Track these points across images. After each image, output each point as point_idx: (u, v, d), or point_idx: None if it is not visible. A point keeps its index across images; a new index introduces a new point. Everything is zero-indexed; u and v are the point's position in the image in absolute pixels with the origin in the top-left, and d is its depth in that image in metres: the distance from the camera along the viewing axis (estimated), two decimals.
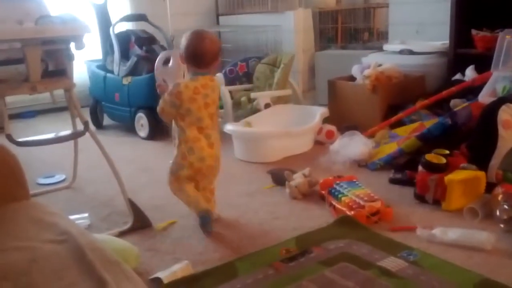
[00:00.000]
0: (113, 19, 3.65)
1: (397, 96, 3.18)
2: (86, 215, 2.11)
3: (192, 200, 2.00)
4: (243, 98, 3.46)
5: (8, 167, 1.28)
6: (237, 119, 3.17)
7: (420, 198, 2.14)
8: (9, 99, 2.01)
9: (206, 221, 1.96)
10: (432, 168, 2.10)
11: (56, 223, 1.14)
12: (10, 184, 1.29)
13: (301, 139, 2.93)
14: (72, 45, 2.02)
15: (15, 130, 1.94)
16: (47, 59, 2.05)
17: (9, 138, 1.85)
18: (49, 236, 1.08)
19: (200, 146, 1.95)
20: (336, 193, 2.11)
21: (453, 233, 1.78)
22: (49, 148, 2.46)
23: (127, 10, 4.40)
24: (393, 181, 2.38)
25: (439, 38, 3.63)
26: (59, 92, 2.16)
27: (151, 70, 3.31)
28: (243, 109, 3.38)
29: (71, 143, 2.43)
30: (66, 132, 2.17)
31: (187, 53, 1.97)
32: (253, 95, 3.34)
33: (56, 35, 1.97)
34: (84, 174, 2.61)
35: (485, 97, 2.61)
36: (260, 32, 4.36)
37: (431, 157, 2.14)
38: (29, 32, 1.93)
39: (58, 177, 2.66)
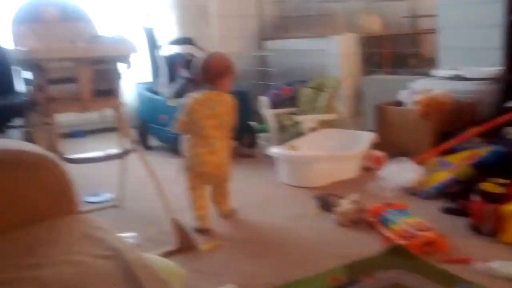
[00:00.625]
0: (162, 43, 3.72)
1: (448, 123, 3.07)
2: (134, 234, 2.10)
3: (196, 211, 2.25)
4: (288, 122, 3.43)
5: (60, 181, 1.29)
6: (282, 142, 3.14)
7: (476, 229, 2.03)
8: (59, 119, 2.04)
9: (195, 234, 2.14)
10: (489, 197, 2.00)
11: (105, 238, 1.13)
12: (61, 198, 1.30)
13: (348, 164, 2.87)
14: (121, 65, 2.05)
15: (65, 148, 1.97)
16: (97, 78, 2.09)
17: (60, 155, 1.88)
18: (98, 251, 1.07)
19: (200, 152, 2.21)
20: (387, 221, 2.03)
21: None
22: (97, 166, 2.49)
23: (175, 34, 4.49)
24: (445, 210, 2.28)
25: (490, 64, 3.52)
26: (110, 112, 2.19)
27: None
28: (288, 133, 3.35)
29: (118, 162, 2.45)
30: (115, 150, 2.19)
31: (198, 69, 2.27)
32: (298, 118, 3.31)
33: (106, 54, 2.02)
34: (131, 193, 2.62)
35: None
36: (305, 56, 4.35)
37: (487, 186, 2.04)
38: (80, 51, 1.97)
39: (105, 196, 2.68)
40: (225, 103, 2.25)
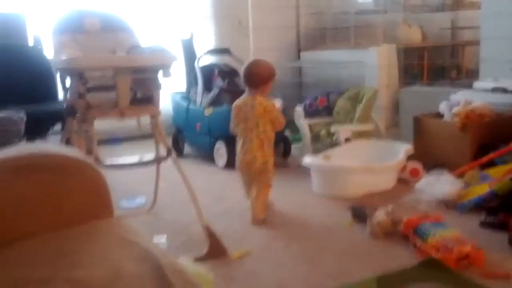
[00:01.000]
0: (198, 53, 3.78)
1: (489, 136, 2.98)
2: (164, 236, 2.13)
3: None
4: (323, 132, 3.41)
5: (96, 185, 1.31)
6: (316, 152, 3.12)
7: None
8: (97, 126, 2.09)
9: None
10: None
11: (138, 242, 1.14)
12: (96, 201, 1.32)
13: (383, 175, 2.82)
14: (160, 74, 2.09)
15: (102, 154, 2.02)
16: (135, 87, 2.13)
17: (97, 160, 1.93)
18: (131, 255, 1.08)
19: (238, 151, 2.48)
20: (422, 234, 1.97)
21: None
22: (132, 173, 2.54)
23: (212, 45, 4.55)
24: (484, 224, 2.21)
25: None
26: (145, 120, 2.23)
27: (232, 102, 3.36)
28: (322, 143, 3.33)
29: (152, 169, 2.49)
30: (150, 157, 2.23)
31: (242, 75, 2.49)
32: (333, 128, 3.29)
33: (146, 64, 2.06)
34: (164, 200, 2.66)
35: None
36: (342, 67, 4.32)
37: None
38: (121, 61, 2.02)
39: (139, 201, 2.72)
40: (256, 106, 2.41)
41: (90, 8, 2.52)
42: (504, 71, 3.70)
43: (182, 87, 3.93)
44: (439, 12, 5.31)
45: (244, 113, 2.45)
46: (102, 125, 2.16)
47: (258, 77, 2.44)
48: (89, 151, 2.02)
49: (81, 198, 1.31)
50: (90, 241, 1.19)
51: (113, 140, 4.30)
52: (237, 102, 2.49)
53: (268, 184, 2.48)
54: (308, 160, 2.84)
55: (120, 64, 1.99)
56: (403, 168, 2.90)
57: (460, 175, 2.72)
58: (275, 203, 2.59)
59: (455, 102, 3.24)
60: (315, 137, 3.37)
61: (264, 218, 2.40)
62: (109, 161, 2.10)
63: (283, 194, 2.76)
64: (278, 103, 3.27)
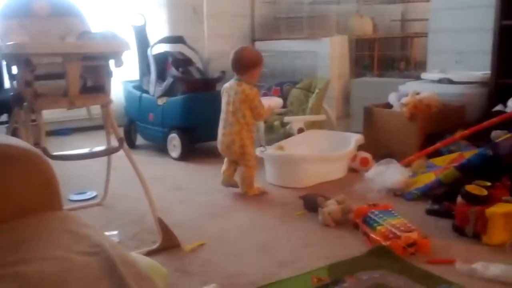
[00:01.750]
0: (152, 41, 3.72)
1: (436, 125, 3.10)
2: (115, 232, 2.10)
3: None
4: (276, 122, 3.43)
5: (44, 176, 1.27)
6: (269, 142, 3.13)
7: (459, 230, 2.05)
8: (45, 115, 2.02)
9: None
10: (473, 199, 2.01)
11: (89, 235, 1.12)
12: (44, 193, 1.28)
13: (335, 165, 2.88)
14: (111, 62, 2.04)
15: (51, 146, 1.95)
16: (86, 75, 2.07)
17: (45, 151, 1.87)
18: (82, 248, 1.06)
19: (219, 133, 2.64)
20: (371, 222, 2.03)
21: (496, 268, 1.68)
22: (83, 164, 2.48)
23: (165, 33, 4.48)
24: (430, 212, 2.30)
25: (479, 68, 3.55)
26: (96, 110, 2.18)
27: (187, 91, 3.34)
28: (276, 133, 3.35)
29: (104, 160, 2.44)
30: (101, 148, 2.18)
31: (230, 60, 2.60)
32: (286, 119, 3.31)
33: (97, 51, 1.99)
34: (116, 192, 2.62)
35: None
36: (296, 57, 4.35)
37: (471, 188, 2.05)
38: (70, 47, 1.96)
39: (90, 194, 2.67)
40: (240, 92, 2.54)
41: None
42: (450, 62, 3.84)
43: (135, 75, 3.85)
44: (390, 4, 5.43)
45: (228, 97, 2.59)
46: (51, 114, 2.09)
47: (242, 62, 2.56)
48: (37, 143, 1.95)
49: (29, 190, 1.27)
50: (39, 235, 1.16)
51: (62, 131, 4.19)
52: (225, 85, 2.66)
53: (249, 165, 2.62)
54: (261, 150, 2.86)
55: (69, 50, 1.92)
56: (354, 158, 2.97)
57: (408, 164, 2.81)
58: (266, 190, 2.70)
59: (403, 93, 3.34)
60: (269, 128, 3.39)
61: (253, 194, 2.61)
62: (58, 152, 2.03)
63: None
64: (277, 103, 3.40)
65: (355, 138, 3.03)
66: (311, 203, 2.35)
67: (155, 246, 1.96)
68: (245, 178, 2.63)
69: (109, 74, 2.06)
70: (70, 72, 1.93)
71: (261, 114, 2.62)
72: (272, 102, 3.23)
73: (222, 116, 2.63)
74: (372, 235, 1.98)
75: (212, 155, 3.37)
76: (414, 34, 5.47)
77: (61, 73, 1.93)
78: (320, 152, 2.97)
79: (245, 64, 2.56)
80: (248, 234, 2.12)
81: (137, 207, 2.40)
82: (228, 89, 2.61)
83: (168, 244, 1.98)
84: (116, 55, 1.99)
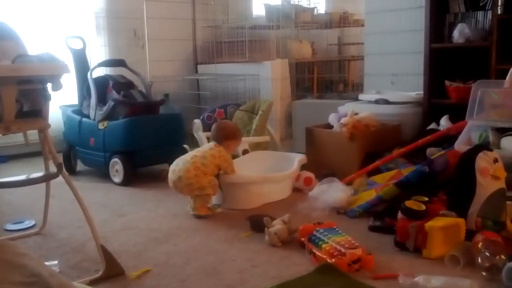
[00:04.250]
0: (91, 64, 3.65)
1: (374, 144, 3.21)
2: (55, 262, 2.01)
3: None
4: None
5: None
6: None
7: (401, 245, 2.11)
8: None
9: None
10: (412, 215, 2.08)
11: (26, 264, 1.08)
12: None
13: (279, 185, 2.91)
14: (49, 85, 1.98)
15: None
16: (22, 99, 2.00)
17: None
18: (19, 278, 1.02)
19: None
20: (316, 240, 2.06)
21: (437, 281, 1.74)
22: (20, 192, 2.38)
23: (106, 56, 4.41)
24: (372, 228, 2.36)
25: (413, 89, 3.73)
26: (33, 135, 2.10)
27: (128, 115, 3.29)
28: None
29: (42, 187, 2.34)
30: (38, 174, 2.09)
31: (213, 128, 2.86)
32: None
33: (33, 74, 1.93)
34: (55, 220, 2.52)
35: (461, 145, 2.64)
36: (238, 80, 4.41)
37: (410, 204, 2.13)
38: (4, 70, 1.88)
39: (28, 223, 2.55)
40: (217, 151, 2.71)
41: None
42: (386, 84, 4.02)
43: (74, 100, 3.76)
44: (327, 29, 5.63)
45: (202, 147, 2.84)
46: None
47: (220, 134, 2.79)
48: None
49: None
50: None
51: None
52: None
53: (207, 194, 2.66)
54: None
55: (3, 74, 1.85)
56: (297, 177, 3.01)
57: (349, 183, 2.89)
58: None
59: (342, 113, 3.44)
60: None
61: (199, 213, 2.63)
62: None
63: (181, 207, 2.74)
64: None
65: (298, 158, 3.08)
66: (257, 224, 2.36)
67: (98, 275, 1.89)
68: (203, 196, 2.65)
69: (46, 98, 2.00)
70: (5, 97, 1.85)
71: (227, 172, 2.73)
72: None
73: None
74: (318, 253, 2.00)
75: (155, 179, 3.32)
76: (351, 57, 5.69)
77: None
78: (265, 172, 2.99)
79: (223, 135, 2.77)
80: (194, 258, 2.09)
81: (78, 235, 2.32)
82: (206, 150, 2.74)
83: (112, 272, 1.92)
84: (54, 78, 1.93)
